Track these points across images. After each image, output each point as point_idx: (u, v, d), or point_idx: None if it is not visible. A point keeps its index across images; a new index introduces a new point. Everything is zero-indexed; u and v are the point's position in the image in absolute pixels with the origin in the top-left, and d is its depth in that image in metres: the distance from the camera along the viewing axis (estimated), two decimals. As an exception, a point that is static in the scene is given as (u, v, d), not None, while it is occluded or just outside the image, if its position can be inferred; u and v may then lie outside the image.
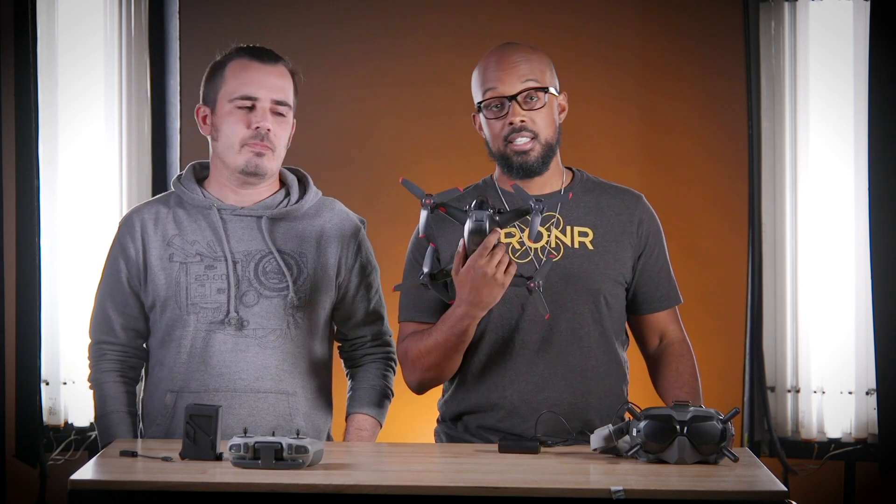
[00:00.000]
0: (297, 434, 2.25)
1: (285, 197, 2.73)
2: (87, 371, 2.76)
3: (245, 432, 2.28)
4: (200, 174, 2.77)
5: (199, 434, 2.31)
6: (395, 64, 4.12)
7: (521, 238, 2.68)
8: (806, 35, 4.02)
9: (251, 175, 2.66)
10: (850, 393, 4.01)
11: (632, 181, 2.98)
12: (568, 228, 2.69)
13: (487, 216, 2.43)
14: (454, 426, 2.73)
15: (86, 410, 3.91)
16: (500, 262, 2.44)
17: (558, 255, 2.66)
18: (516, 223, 2.58)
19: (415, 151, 4.10)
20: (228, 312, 2.65)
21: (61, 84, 3.91)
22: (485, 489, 2.10)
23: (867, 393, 3.98)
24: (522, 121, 2.63)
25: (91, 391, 2.75)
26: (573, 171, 2.77)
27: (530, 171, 2.66)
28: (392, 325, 2.83)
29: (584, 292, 2.66)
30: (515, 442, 2.47)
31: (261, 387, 2.65)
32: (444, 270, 2.55)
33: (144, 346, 2.75)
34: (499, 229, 2.45)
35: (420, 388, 2.69)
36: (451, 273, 2.50)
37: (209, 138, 2.71)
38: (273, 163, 2.67)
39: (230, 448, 2.24)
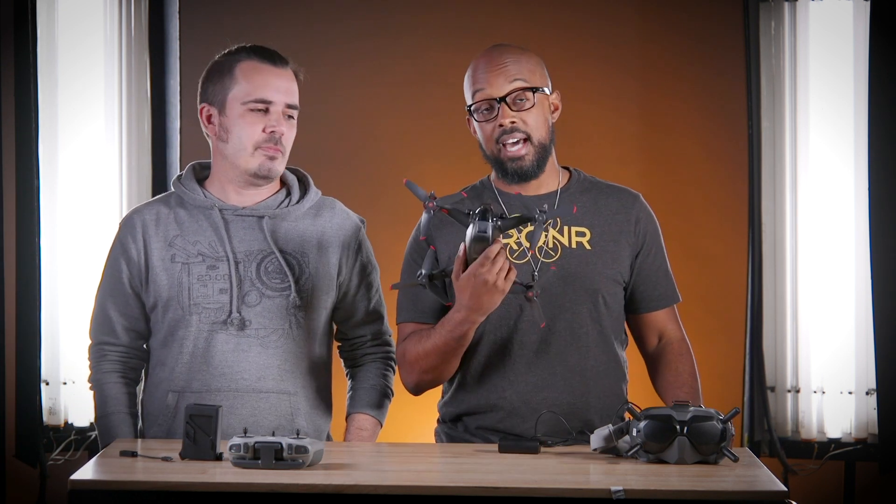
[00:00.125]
0: (297, 434, 2.25)
1: (286, 197, 2.73)
2: (88, 371, 2.76)
3: (245, 432, 2.28)
4: (200, 174, 2.77)
5: (199, 434, 2.31)
6: (395, 64, 4.12)
7: (518, 239, 2.67)
8: (806, 35, 4.02)
9: (262, 178, 2.67)
10: (850, 393, 4.01)
11: (632, 181, 2.98)
12: (565, 228, 2.69)
13: (491, 226, 2.42)
14: (454, 426, 2.73)
15: (86, 410, 3.91)
16: (500, 269, 2.44)
17: (556, 255, 2.66)
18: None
19: (415, 151, 4.10)
20: (231, 313, 2.65)
21: (61, 84, 3.91)
22: (485, 489, 2.10)
23: (867, 393, 3.98)
24: (513, 122, 2.63)
25: (91, 392, 2.75)
26: (570, 171, 2.77)
27: (526, 175, 2.66)
28: (391, 326, 2.83)
29: (582, 292, 2.66)
30: (515, 442, 2.47)
31: (263, 387, 2.65)
32: (443, 272, 2.55)
33: (145, 346, 2.75)
34: (501, 239, 2.45)
35: (417, 390, 2.69)
36: (451, 277, 2.50)
37: (212, 138, 2.70)
38: (282, 165, 2.69)
39: (230, 448, 2.24)
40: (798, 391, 4.04)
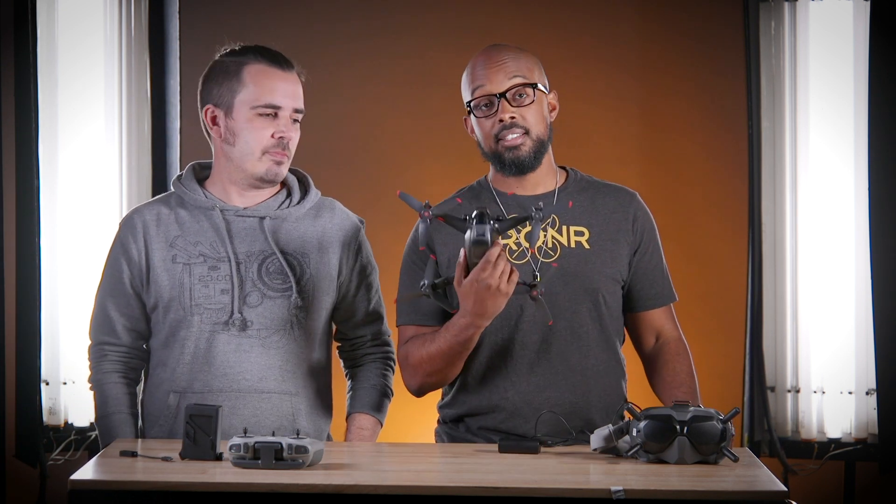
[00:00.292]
0: (297, 434, 2.25)
1: (287, 198, 2.73)
2: (88, 371, 2.76)
3: (245, 432, 2.28)
4: (200, 174, 2.77)
5: (199, 434, 2.31)
6: (396, 64, 4.12)
7: (517, 239, 2.68)
8: (806, 35, 4.02)
9: (268, 182, 2.67)
10: (850, 393, 4.01)
11: (632, 181, 2.98)
12: (564, 228, 2.69)
13: (490, 229, 2.42)
14: (455, 427, 2.73)
15: (86, 410, 3.91)
16: (502, 272, 2.44)
17: (555, 254, 2.66)
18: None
19: (415, 151, 4.10)
20: (232, 313, 2.65)
21: (61, 84, 3.91)
22: (485, 489, 2.10)
23: (867, 393, 3.98)
24: (512, 117, 2.64)
25: (91, 392, 2.75)
26: (567, 171, 2.77)
27: (523, 166, 2.66)
28: (390, 328, 2.83)
29: (582, 292, 2.66)
30: (515, 442, 2.47)
31: (264, 387, 2.65)
32: (445, 280, 2.55)
33: (145, 346, 2.74)
34: (500, 241, 2.45)
35: (420, 393, 2.69)
36: (453, 283, 2.49)
37: (216, 139, 2.69)
38: (287, 169, 2.69)
39: (230, 448, 2.24)
40: (798, 391, 4.04)
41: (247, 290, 2.66)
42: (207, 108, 2.68)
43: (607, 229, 2.70)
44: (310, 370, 2.71)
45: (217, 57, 2.71)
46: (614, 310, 2.71)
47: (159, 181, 4.01)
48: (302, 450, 2.20)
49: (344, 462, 2.33)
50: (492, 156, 2.69)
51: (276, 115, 2.64)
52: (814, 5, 4.01)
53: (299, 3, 4.11)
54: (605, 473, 2.24)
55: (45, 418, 3.87)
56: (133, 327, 2.72)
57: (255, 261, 2.67)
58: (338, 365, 2.83)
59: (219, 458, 2.30)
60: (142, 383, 2.77)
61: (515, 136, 2.64)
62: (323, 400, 2.75)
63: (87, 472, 2.22)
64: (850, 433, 4.01)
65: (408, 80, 4.11)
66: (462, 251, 2.46)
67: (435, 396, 2.79)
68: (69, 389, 3.92)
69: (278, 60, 2.66)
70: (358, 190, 3.90)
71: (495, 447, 2.48)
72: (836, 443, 4.02)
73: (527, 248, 2.66)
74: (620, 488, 2.07)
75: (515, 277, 2.46)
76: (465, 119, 2.72)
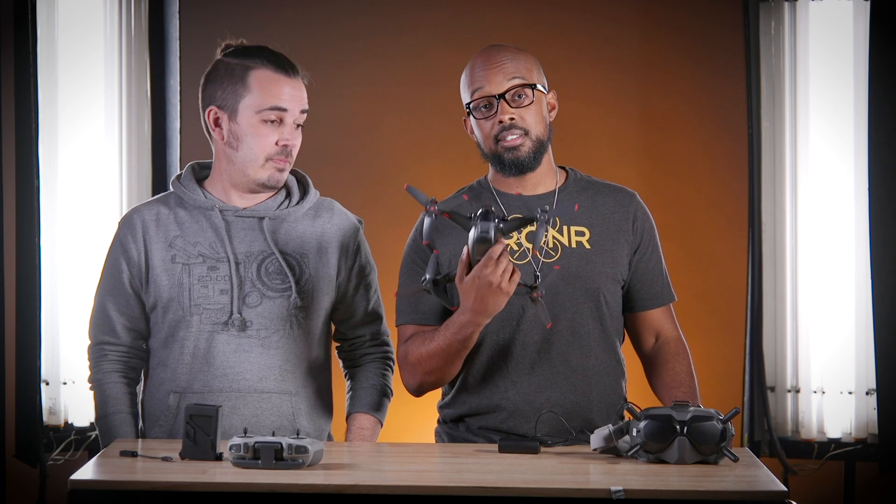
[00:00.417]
0: (297, 434, 2.25)
1: (286, 198, 2.73)
2: (87, 371, 2.75)
3: (245, 432, 2.28)
4: (199, 174, 2.76)
5: (199, 434, 2.31)
6: (395, 64, 4.12)
7: (519, 239, 2.68)
8: (806, 35, 4.02)
9: (270, 188, 2.68)
10: (849, 393, 4.01)
11: (631, 181, 2.98)
12: (564, 228, 2.69)
13: (494, 227, 2.41)
14: (456, 426, 2.73)
15: (86, 410, 3.91)
16: (504, 270, 2.44)
17: (556, 255, 2.66)
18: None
19: (415, 151, 4.10)
20: (232, 313, 2.65)
21: (61, 84, 3.91)
22: (485, 489, 2.10)
23: (867, 393, 3.98)
24: (512, 118, 2.64)
25: (91, 392, 2.75)
26: (567, 171, 2.77)
27: (522, 166, 2.66)
28: (389, 328, 2.83)
29: (582, 292, 2.66)
30: (515, 442, 2.46)
31: (264, 387, 2.65)
32: (447, 276, 2.55)
33: (145, 346, 2.74)
34: (504, 239, 2.45)
35: (419, 392, 2.69)
36: (455, 280, 2.49)
37: (217, 141, 2.68)
38: (287, 174, 2.69)
39: (230, 448, 2.24)
40: (798, 391, 4.04)
41: (246, 290, 2.66)
42: (210, 110, 2.67)
43: (607, 229, 2.70)
44: (309, 370, 2.71)
45: (219, 54, 2.69)
46: (615, 310, 2.71)
47: (159, 181, 4.01)
48: (302, 450, 2.20)
49: (344, 462, 2.33)
50: (491, 157, 2.69)
51: (280, 122, 2.64)
52: (814, 5, 4.01)
53: (299, 2, 4.11)
54: (605, 473, 2.24)
55: (45, 418, 3.87)
56: (133, 327, 2.72)
57: (254, 261, 2.67)
58: (338, 365, 2.83)
59: (219, 458, 2.30)
60: (142, 383, 2.77)
61: (515, 137, 2.64)
62: (323, 400, 2.75)
63: (87, 472, 2.22)
64: (850, 433, 4.01)
65: (408, 80, 4.11)
66: (465, 248, 2.46)
67: (435, 396, 2.79)
68: (69, 389, 3.92)
69: (284, 66, 2.65)
70: (358, 190, 3.90)
71: (495, 447, 2.48)
72: (836, 443, 4.02)
73: (528, 249, 2.66)
74: (620, 488, 2.07)
75: (517, 277, 2.46)
76: (465, 120, 2.73)
